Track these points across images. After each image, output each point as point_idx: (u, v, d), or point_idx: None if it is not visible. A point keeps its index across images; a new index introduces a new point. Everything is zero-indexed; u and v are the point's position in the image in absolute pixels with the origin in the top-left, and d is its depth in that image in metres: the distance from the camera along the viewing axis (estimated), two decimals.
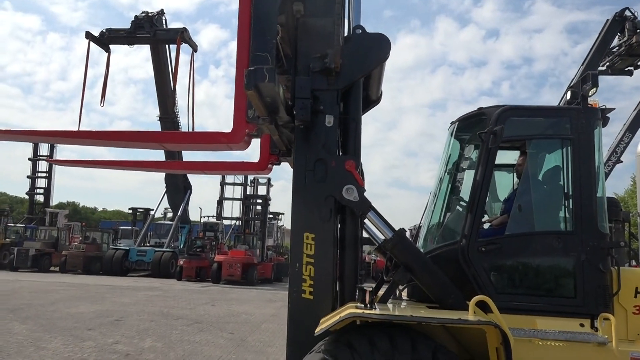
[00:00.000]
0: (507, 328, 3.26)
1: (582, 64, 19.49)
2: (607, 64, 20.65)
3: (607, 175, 19.32)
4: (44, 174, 37.27)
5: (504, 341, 3.16)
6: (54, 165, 34.62)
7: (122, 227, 36.30)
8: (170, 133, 4.18)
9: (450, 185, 4.74)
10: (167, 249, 28.54)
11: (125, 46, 28.05)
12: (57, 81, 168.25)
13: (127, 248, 28.39)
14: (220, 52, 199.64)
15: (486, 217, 4.64)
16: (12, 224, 33.36)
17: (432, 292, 3.81)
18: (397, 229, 3.89)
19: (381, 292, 3.94)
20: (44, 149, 36.38)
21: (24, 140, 4.80)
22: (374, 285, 4.54)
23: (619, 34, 19.95)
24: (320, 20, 3.81)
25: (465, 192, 4.44)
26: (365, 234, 4.13)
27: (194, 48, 27.29)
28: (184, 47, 26.49)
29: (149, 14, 27.58)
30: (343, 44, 3.87)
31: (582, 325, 3.74)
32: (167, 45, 28.41)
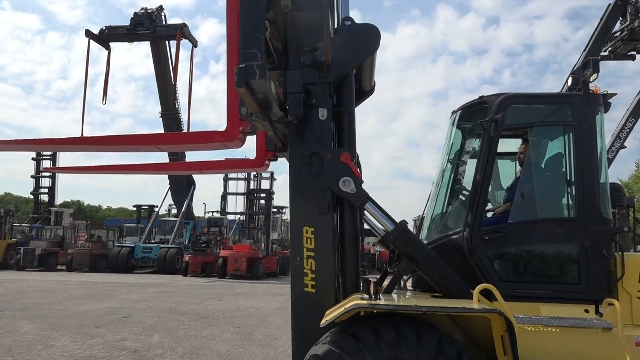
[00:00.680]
0: (511, 316, 3.27)
1: (584, 50, 19.38)
2: (610, 49, 20.54)
3: (610, 161, 19.27)
4: (47, 174, 37.35)
5: (508, 329, 3.17)
6: (57, 161, 34.66)
7: (126, 225, 36.39)
8: (164, 135, 4.19)
9: (452, 175, 4.74)
10: (173, 245, 28.64)
11: (125, 43, 28.01)
12: (58, 80, 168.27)
13: (133, 245, 28.50)
14: (220, 46, 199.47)
15: (489, 206, 4.65)
16: (18, 224, 33.52)
17: (436, 283, 3.83)
18: (402, 220, 3.90)
19: (386, 283, 3.96)
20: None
21: (15, 150, 4.82)
22: (378, 276, 4.56)
23: (620, 18, 19.82)
24: (309, 14, 3.80)
25: (468, 181, 4.45)
26: (366, 226, 4.14)
27: (194, 43, 27.22)
28: (184, 42, 26.45)
29: (148, 11, 27.54)
30: (333, 36, 3.87)
31: (586, 311, 3.75)
32: (167, 42, 28.38)
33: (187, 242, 30.50)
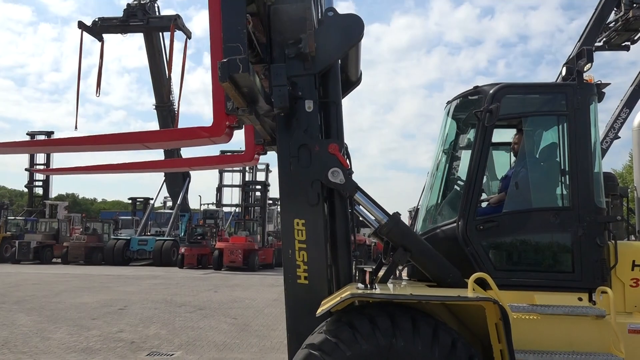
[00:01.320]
0: (506, 304, 3.30)
1: (579, 40, 19.37)
2: (604, 39, 20.54)
3: (605, 151, 19.34)
4: (42, 167, 37.18)
5: (503, 317, 3.19)
6: (51, 158, 34.53)
7: (122, 217, 36.37)
8: (151, 132, 4.15)
9: (447, 165, 4.75)
10: (168, 238, 28.65)
11: (118, 35, 27.83)
12: (51, 72, 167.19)
13: (128, 238, 28.49)
14: None
15: (484, 196, 4.67)
16: (12, 217, 33.39)
17: (431, 273, 3.85)
18: (394, 212, 3.91)
19: (381, 273, 3.98)
20: None
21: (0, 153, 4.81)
22: (374, 267, 4.58)
23: (615, 9, 19.79)
24: (292, 6, 3.78)
25: (463, 171, 4.46)
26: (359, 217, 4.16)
27: (188, 35, 27.12)
28: (178, 34, 26.31)
29: (141, 2, 27.34)
30: (316, 27, 3.86)
31: (580, 299, 3.78)
32: (160, 33, 28.21)
33: (182, 234, 30.50)
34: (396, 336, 3.13)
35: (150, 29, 27.40)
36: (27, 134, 35.01)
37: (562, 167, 4.05)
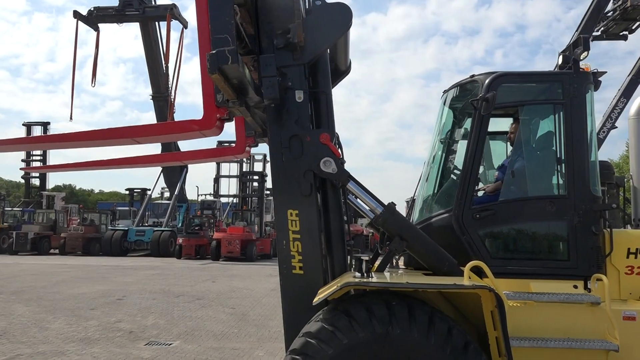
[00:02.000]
0: (501, 292, 3.32)
1: (577, 30, 19.30)
2: (602, 29, 20.46)
3: (602, 141, 19.35)
4: (38, 157, 37.09)
5: (498, 305, 3.21)
6: (48, 151, 34.41)
7: (119, 208, 36.32)
8: (141, 127, 4.15)
9: (444, 155, 4.76)
10: (166, 229, 28.65)
11: (113, 25, 27.63)
12: (46, 62, 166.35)
13: (126, 228, 28.50)
14: None
15: (480, 185, 4.68)
16: (10, 208, 33.34)
17: (427, 262, 3.86)
18: (390, 202, 3.91)
19: (378, 262, 4.00)
20: (37, 132, 36.09)
21: None
22: (371, 256, 4.59)
23: None
24: None
25: (459, 160, 4.46)
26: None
27: (184, 24, 26.94)
28: (174, 23, 26.15)
29: None
30: (304, 17, 3.83)
31: (575, 286, 3.81)
32: (157, 23, 28.02)
33: (180, 225, 30.52)
34: (392, 324, 3.14)
35: (146, 18, 27.20)
36: (23, 124, 34.86)
37: (558, 156, 4.06)
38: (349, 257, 4.04)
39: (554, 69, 5.39)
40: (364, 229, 30.88)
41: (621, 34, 20.73)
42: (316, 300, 3.45)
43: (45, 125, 34.14)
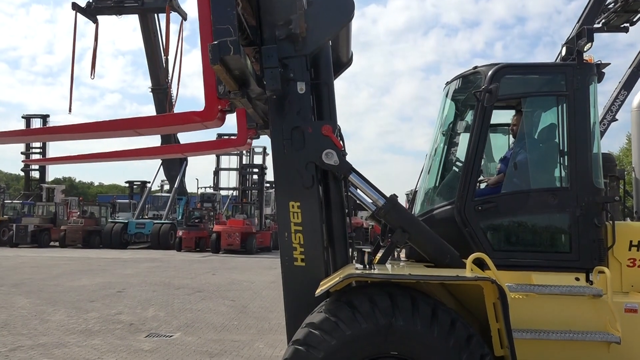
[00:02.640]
0: (504, 284, 3.32)
1: (578, 22, 19.21)
2: (603, 21, 20.37)
3: (602, 134, 19.32)
4: (38, 150, 37.05)
5: (501, 296, 3.21)
6: (48, 144, 34.31)
7: (119, 201, 36.30)
8: (142, 118, 4.12)
9: (446, 147, 4.74)
10: (166, 221, 28.66)
11: (111, 17, 27.46)
12: (44, 55, 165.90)
13: (126, 221, 28.49)
14: None
15: (482, 178, 4.67)
16: (9, 201, 33.32)
17: (429, 254, 3.86)
18: (392, 194, 3.90)
19: (379, 255, 3.99)
20: (36, 125, 36.01)
21: None
22: (372, 248, 4.59)
23: None
24: None
25: (461, 152, 4.45)
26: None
27: (184, 16, 26.81)
28: (173, 15, 26.00)
29: None
30: (306, 8, 3.81)
31: (577, 279, 3.81)
32: (156, 15, 27.87)
33: (180, 217, 30.53)
34: (395, 315, 3.14)
35: (145, 10, 27.02)
36: (22, 117, 34.78)
37: (561, 148, 4.05)
38: (350, 249, 4.04)
39: (556, 60, 5.37)
40: (364, 221, 30.90)
41: (622, 26, 20.62)
42: (319, 291, 3.45)
43: (44, 117, 34.05)
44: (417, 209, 4.73)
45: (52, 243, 28.36)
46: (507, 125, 4.83)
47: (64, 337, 7.59)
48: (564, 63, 4.18)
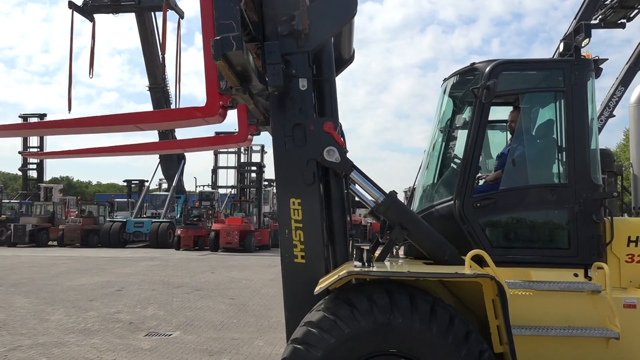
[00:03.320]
0: (503, 280, 3.32)
1: (575, 18, 19.21)
2: (600, 16, 20.37)
3: (600, 130, 19.30)
4: (35, 150, 36.98)
5: (500, 293, 3.21)
6: (45, 141, 34.27)
7: (117, 200, 36.26)
8: (144, 113, 4.11)
9: (444, 143, 4.74)
10: (164, 220, 28.62)
11: (107, 16, 27.41)
12: (41, 54, 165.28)
13: (124, 220, 28.44)
14: None
15: (480, 175, 4.66)
16: (7, 201, 33.25)
17: (428, 251, 3.86)
18: (391, 190, 3.90)
19: (378, 252, 3.99)
20: None
21: None
22: (371, 245, 4.58)
23: None
24: None
25: (460, 149, 4.44)
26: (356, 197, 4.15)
27: (181, 15, 26.77)
28: (170, 14, 25.95)
29: None
30: (309, 4, 3.80)
31: (576, 275, 3.81)
32: (152, 13, 27.82)
33: (178, 216, 30.50)
34: (394, 313, 3.14)
35: (142, 8, 26.99)
36: (19, 116, 34.73)
37: (559, 144, 4.05)
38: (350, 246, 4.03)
39: (554, 56, 5.36)
40: (362, 219, 30.91)
41: (619, 22, 20.62)
42: (317, 289, 3.45)
43: (42, 117, 34.03)
44: (415, 206, 4.72)
45: (50, 242, 28.30)
46: (505, 121, 4.82)
47: (63, 337, 7.58)
48: (561, 59, 4.18)
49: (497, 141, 5.08)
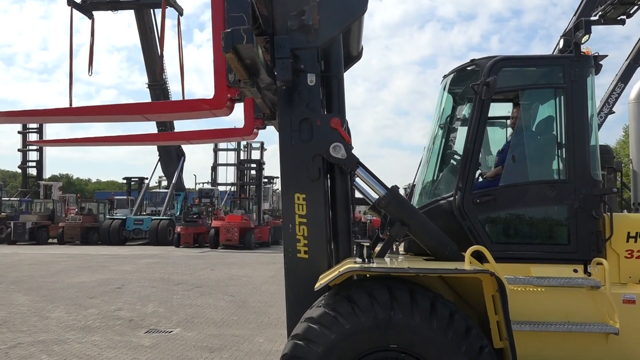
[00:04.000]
0: (502, 276, 3.33)
1: (574, 14, 19.18)
2: (599, 13, 20.35)
3: (599, 126, 19.33)
4: (35, 147, 36.96)
5: (499, 289, 3.22)
6: (44, 135, 34.21)
7: (117, 197, 36.26)
8: (152, 104, 4.10)
9: (443, 140, 4.74)
10: (164, 217, 28.65)
11: (106, 13, 27.36)
12: (39, 51, 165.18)
13: (124, 217, 28.47)
14: (204, 14, 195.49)
15: (480, 171, 4.67)
16: (7, 198, 33.24)
17: (428, 246, 3.86)
18: (393, 185, 3.91)
19: (378, 248, 4.00)
20: (35, 123, 35.87)
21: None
22: (372, 242, 4.59)
23: None
24: None
25: (459, 146, 4.45)
26: (357, 194, 4.15)
27: (180, 11, 26.70)
28: (169, 10, 25.88)
29: None
30: None
31: (575, 270, 3.82)
32: (151, 10, 27.77)
33: (178, 213, 30.53)
34: (394, 309, 3.15)
35: (141, 5, 26.96)
36: None
37: (559, 140, 4.05)
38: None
39: (553, 52, 5.35)
40: (362, 216, 30.95)
41: (619, 18, 20.61)
42: (318, 285, 3.45)
43: None
44: (415, 203, 4.72)
45: (50, 240, 28.31)
46: (505, 118, 4.83)
47: (64, 334, 7.59)
48: (561, 55, 4.18)
49: (497, 138, 5.08)
